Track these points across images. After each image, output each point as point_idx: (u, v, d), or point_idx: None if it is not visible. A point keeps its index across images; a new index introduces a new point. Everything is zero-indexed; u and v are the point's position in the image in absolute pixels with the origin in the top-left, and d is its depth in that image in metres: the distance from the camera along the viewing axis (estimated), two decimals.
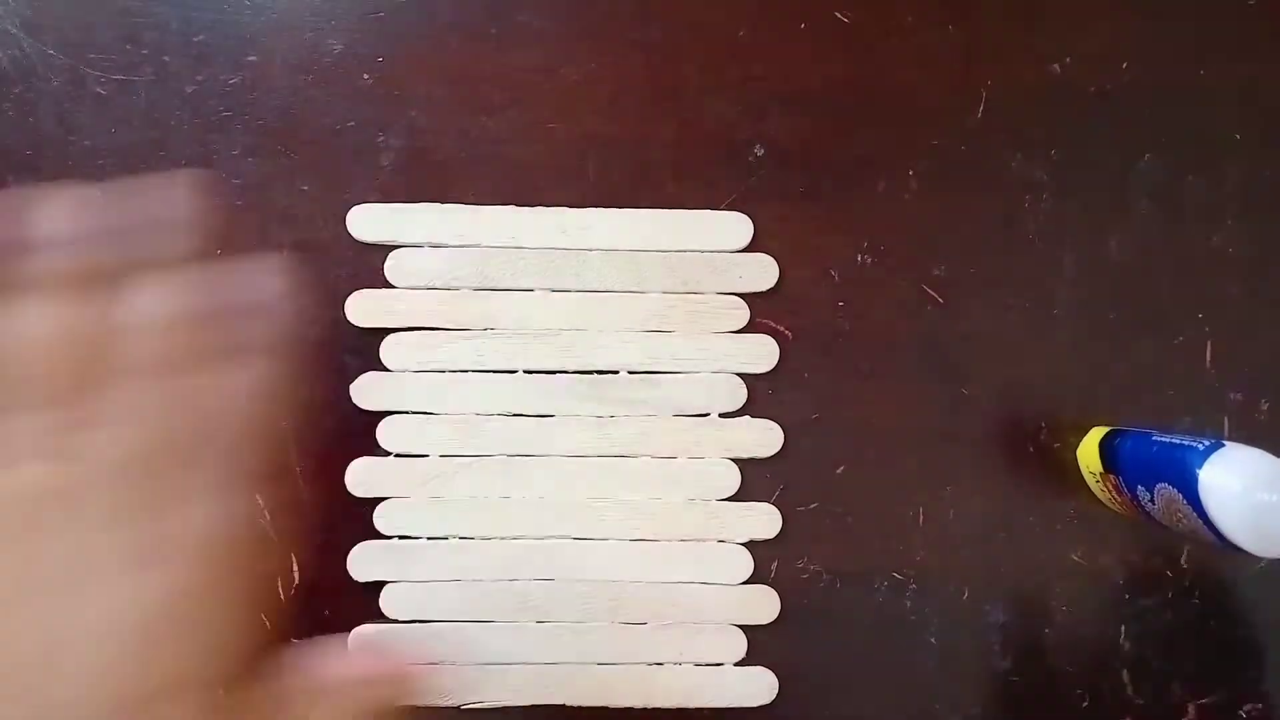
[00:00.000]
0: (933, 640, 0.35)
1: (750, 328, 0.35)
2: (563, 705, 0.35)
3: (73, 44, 0.35)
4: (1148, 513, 0.32)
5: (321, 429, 0.34)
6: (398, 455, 0.35)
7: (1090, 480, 0.35)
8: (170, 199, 0.23)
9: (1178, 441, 0.30)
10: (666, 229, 0.35)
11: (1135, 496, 0.32)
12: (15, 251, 0.21)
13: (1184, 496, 0.29)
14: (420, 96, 0.35)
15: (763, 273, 0.35)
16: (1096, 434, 0.34)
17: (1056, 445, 0.36)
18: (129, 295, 0.22)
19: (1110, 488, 0.33)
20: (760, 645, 0.35)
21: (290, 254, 0.35)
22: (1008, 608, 0.35)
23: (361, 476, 0.35)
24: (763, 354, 0.35)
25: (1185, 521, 0.29)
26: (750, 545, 0.35)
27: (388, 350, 0.35)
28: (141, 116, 0.35)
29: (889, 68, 0.36)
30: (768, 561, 0.35)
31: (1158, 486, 0.30)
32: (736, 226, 0.35)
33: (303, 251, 0.35)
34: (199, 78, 0.35)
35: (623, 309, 0.35)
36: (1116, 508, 0.34)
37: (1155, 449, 0.31)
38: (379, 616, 0.34)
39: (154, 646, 0.21)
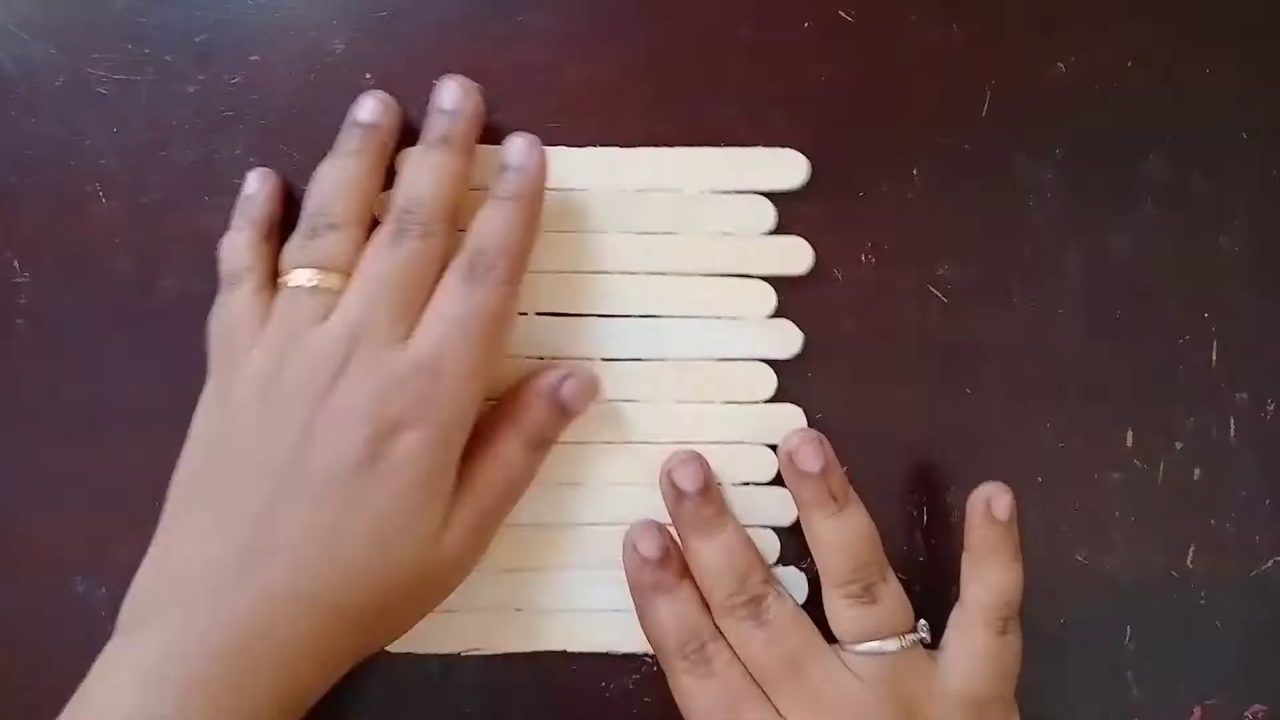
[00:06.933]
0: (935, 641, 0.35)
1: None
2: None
3: (74, 44, 0.35)
4: None
5: None
6: None
7: None
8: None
9: None
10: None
11: None
12: None
13: None
14: (421, 96, 0.35)
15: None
16: None
17: (1061, 445, 0.36)
18: None
19: None
20: None
21: None
22: None
23: None
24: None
25: None
26: None
27: None
28: (143, 116, 0.35)
29: (892, 67, 0.36)
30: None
31: None
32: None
33: None
34: (201, 77, 0.35)
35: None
36: None
37: None
38: None
39: None
